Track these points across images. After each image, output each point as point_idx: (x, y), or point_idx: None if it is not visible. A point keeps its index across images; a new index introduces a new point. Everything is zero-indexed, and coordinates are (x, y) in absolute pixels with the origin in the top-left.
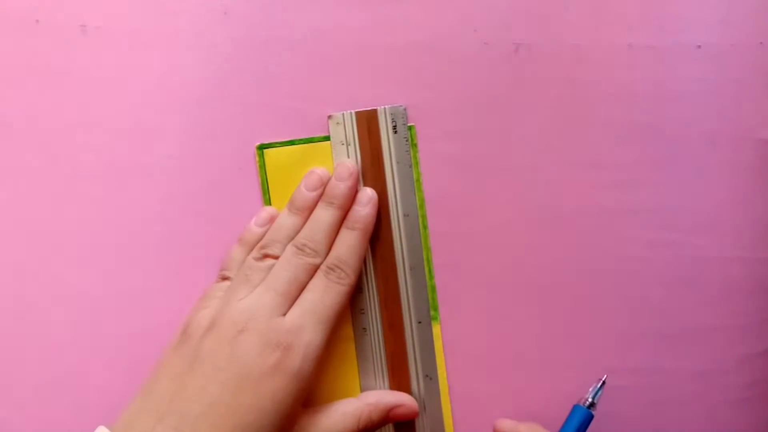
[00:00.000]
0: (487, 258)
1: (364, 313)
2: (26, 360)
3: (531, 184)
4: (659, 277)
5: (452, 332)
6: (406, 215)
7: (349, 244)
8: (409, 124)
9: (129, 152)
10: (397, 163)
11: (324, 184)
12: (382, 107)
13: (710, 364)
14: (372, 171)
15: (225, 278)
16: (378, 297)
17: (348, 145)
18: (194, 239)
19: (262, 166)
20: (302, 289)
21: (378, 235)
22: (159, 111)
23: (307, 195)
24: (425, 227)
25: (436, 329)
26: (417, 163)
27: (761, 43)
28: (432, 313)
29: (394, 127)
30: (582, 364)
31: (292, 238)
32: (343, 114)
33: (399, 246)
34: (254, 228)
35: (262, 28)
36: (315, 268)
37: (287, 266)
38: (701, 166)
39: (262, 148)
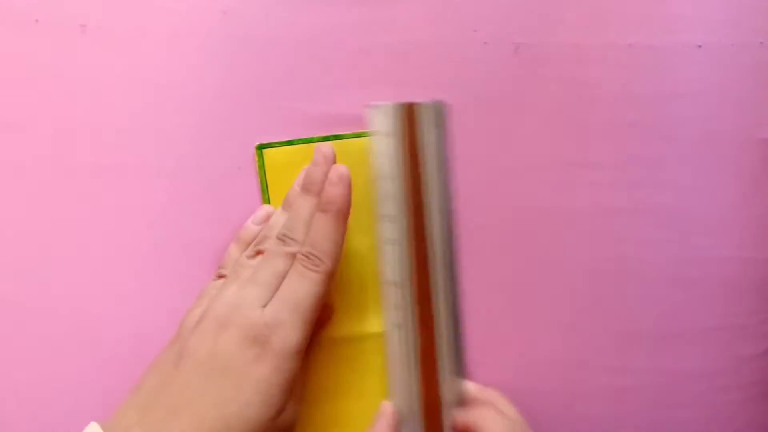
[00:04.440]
0: (486, 258)
1: (397, 309)
2: (24, 360)
3: (531, 184)
4: (659, 277)
5: None
6: (441, 211)
7: (322, 228)
8: None
9: (129, 152)
10: (436, 158)
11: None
12: (425, 102)
13: (710, 364)
14: (409, 165)
15: (221, 276)
16: (411, 293)
17: (388, 136)
18: (194, 239)
19: (262, 166)
20: (282, 279)
21: (412, 230)
22: (159, 111)
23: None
24: None
25: None
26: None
27: (761, 43)
28: None
29: (436, 123)
30: (582, 364)
31: None
32: (385, 105)
33: (434, 242)
34: (251, 226)
35: (261, 28)
36: (294, 257)
37: (269, 258)
38: (701, 166)
39: (261, 148)
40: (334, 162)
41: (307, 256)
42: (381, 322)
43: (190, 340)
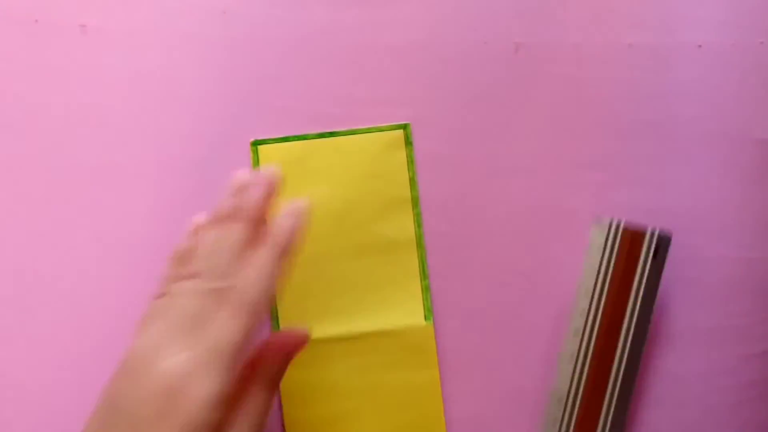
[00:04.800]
0: (485, 258)
1: (555, 423)
2: (24, 360)
3: (530, 184)
4: None
5: (447, 334)
6: (631, 341)
7: (259, 265)
8: (404, 122)
9: (128, 151)
10: (645, 288)
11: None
12: (652, 229)
13: (710, 364)
14: (617, 286)
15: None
16: (577, 412)
17: (604, 252)
18: None
19: (256, 162)
20: (206, 320)
21: (596, 351)
22: (158, 110)
23: (227, 203)
24: (419, 226)
25: (429, 330)
26: (412, 162)
27: (761, 42)
28: (425, 313)
29: (655, 253)
30: None
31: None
32: (611, 221)
33: (613, 370)
34: (182, 244)
35: (260, 28)
36: (220, 294)
37: (186, 296)
38: (701, 166)
39: (256, 144)
40: (276, 187)
41: (235, 297)
42: (372, 322)
43: (109, 386)
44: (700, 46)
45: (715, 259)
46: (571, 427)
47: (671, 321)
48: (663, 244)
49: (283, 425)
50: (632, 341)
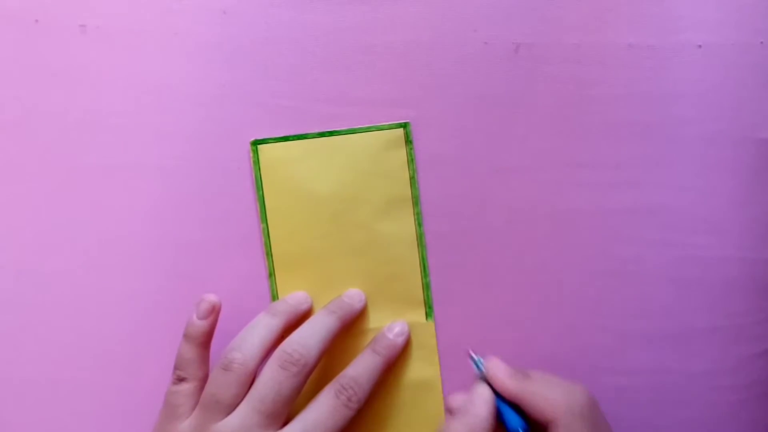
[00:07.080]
0: (485, 258)
1: None
2: (25, 360)
3: (530, 184)
4: (659, 277)
5: (448, 332)
6: None
7: (370, 367)
8: (404, 121)
9: (128, 151)
10: None
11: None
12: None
13: (710, 364)
14: None
15: (181, 378)
16: None
17: None
18: (193, 238)
19: (256, 162)
20: (289, 401)
21: None
22: (158, 110)
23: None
24: (420, 224)
25: (431, 327)
26: (412, 160)
27: (761, 42)
28: (426, 310)
29: None
30: (582, 364)
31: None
32: None
33: None
34: (197, 321)
35: (260, 27)
36: (303, 374)
37: (271, 383)
38: (701, 166)
39: (256, 143)
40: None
41: (345, 389)
42: (373, 320)
43: None
44: (700, 46)
45: (715, 259)
46: None
47: (671, 321)
48: None
49: None
50: None
